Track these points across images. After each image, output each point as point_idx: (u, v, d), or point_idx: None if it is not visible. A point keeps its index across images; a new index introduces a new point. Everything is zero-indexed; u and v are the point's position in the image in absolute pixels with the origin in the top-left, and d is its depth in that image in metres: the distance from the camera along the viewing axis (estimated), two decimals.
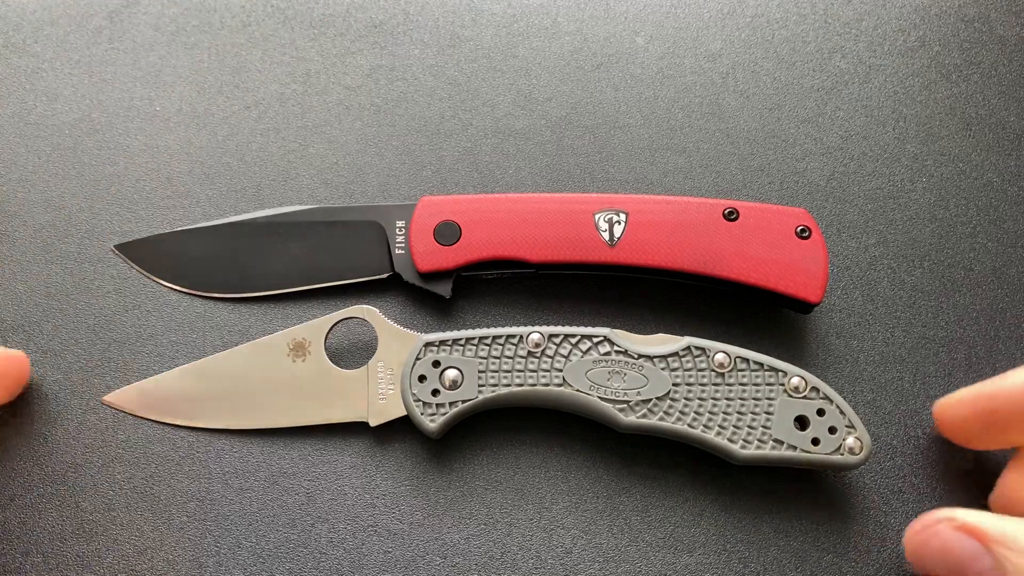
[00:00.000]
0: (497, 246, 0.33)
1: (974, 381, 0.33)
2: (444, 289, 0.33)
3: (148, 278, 0.34)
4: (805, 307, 0.32)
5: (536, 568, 0.30)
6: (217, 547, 0.30)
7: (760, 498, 0.31)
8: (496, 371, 0.30)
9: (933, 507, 0.31)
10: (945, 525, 0.27)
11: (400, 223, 0.34)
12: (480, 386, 0.30)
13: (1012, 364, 0.33)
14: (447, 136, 0.38)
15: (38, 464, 0.31)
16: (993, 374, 0.33)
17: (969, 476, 0.32)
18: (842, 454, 0.29)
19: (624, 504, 0.31)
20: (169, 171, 0.37)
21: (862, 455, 0.29)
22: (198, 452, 0.32)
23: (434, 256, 0.33)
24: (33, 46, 0.39)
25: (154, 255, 0.34)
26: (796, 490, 0.31)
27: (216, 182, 0.36)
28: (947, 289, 0.35)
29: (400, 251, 0.33)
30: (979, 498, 0.31)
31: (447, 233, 0.33)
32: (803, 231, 0.32)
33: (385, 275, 0.34)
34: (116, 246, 0.35)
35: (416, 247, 0.33)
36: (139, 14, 0.40)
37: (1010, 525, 0.26)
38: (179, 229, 0.35)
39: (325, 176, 0.37)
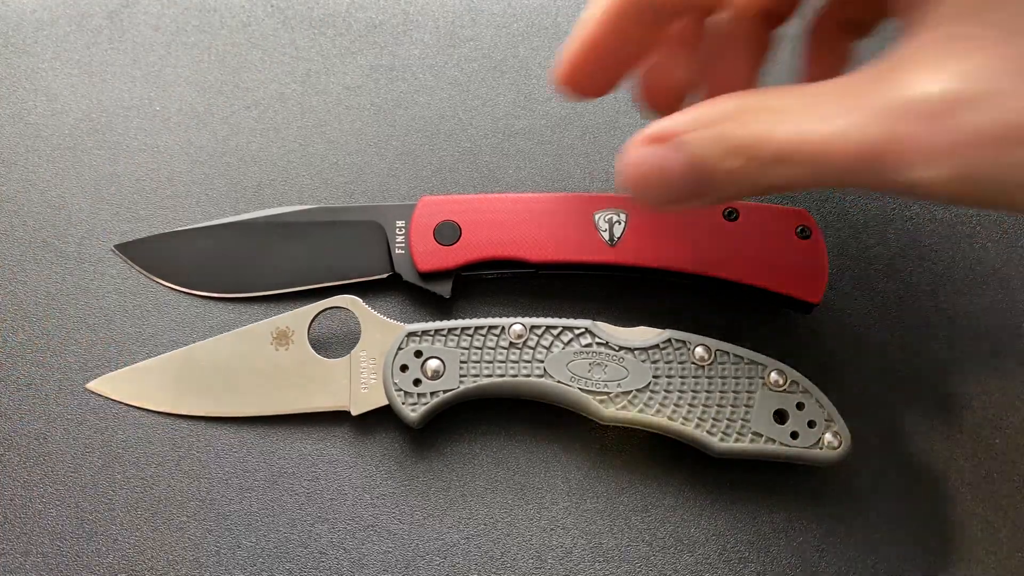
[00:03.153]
0: (497, 246, 0.33)
1: (975, 381, 0.33)
2: (444, 289, 0.33)
3: (148, 278, 0.34)
4: (805, 307, 0.32)
5: (536, 568, 0.30)
6: (217, 547, 0.30)
7: (760, 497, 0.31)
8: (478, 362, 0.31)
9: (933, 506, 0.31)
10: (636, 146, 0.26)
11: (400, 223, 0.34)
12: (462, 376, 0.30)
13: (1013, 364, 0.33)
14: (447, 136, 0.38)
15: (38, 464, 0.31)
16: (994, 375, 0.33)
17: (970, 471, 0.32)
18: (821, 448, 0.29)
19: (624, 504, 0.31)
20: (169, 171, 0.37)
21: (841, 450, 0.29)
22: (198, 452, 0.32)
23: (434, 256, 0.33)
24: (33, 46, 0.39)
25: (154, 255, 0.34)
26: (796, 489, 0.31)
27: (216, 182, 0.36)
28: (947, 289, 0.35)
29: (400, 251, 0.33)
30: (985, 495, 0.31)
31: (447, 233, 0.33)
32: (803, 231, 0.32)
33: (385, 275, 0.33)
34: (116, 246, 0.35)
35: (416, 247, 0.33)
36: (139, 14, 0.40)
37: (691, 110, 0.25)
38: (179, 229, 0.35)
39: (325, 176, 0.37)
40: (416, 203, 0.34)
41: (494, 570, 0.30)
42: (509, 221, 0.33)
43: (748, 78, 0.29)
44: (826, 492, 0.31)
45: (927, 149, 0.21)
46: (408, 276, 0.33)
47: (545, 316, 0.31)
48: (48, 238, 0.35)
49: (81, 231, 0.35)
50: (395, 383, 0.31)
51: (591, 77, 0.29)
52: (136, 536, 0.30)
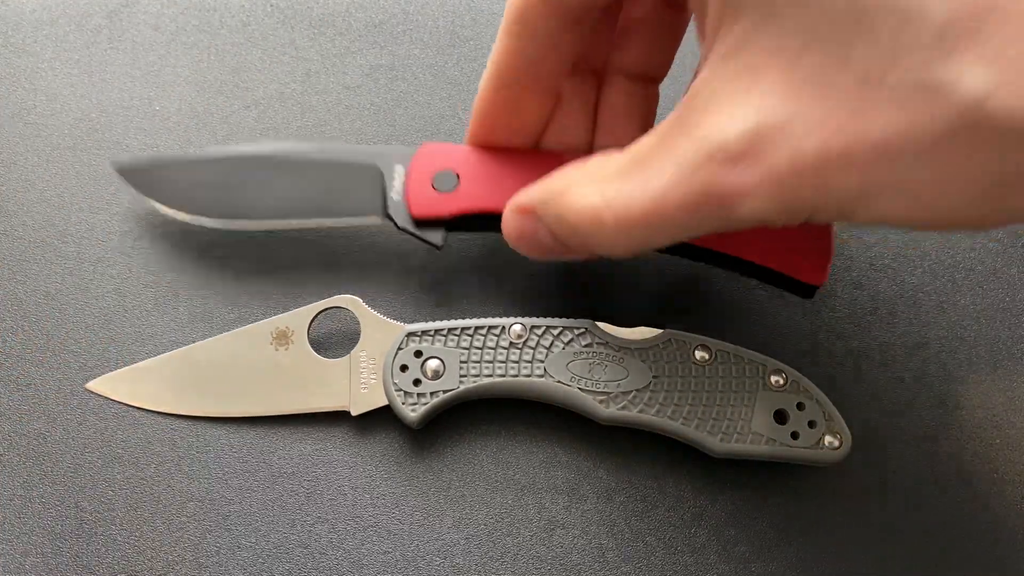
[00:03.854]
0: (494, 199, 0.31)
1: (975, 381, 0.33)
2: (436, 237, 0.32)
3: (143, 199, 0.34)
4: (807, 290, 0.31)
5: (536, 568, 0.30)
6: (217, 547, 0.30)
7: (761, 498, 0.31)
8: (478, 361, 0.31)
9: (935, 506, 0.31)
10: (509, 215, 0.28)
11: (399, 167, 0.33)
12: (462, 376, 0.30)
13: (1013, 364, 0.33)
14: (447, 136, 0.38)
15: (37, 464, 0.31)
16: (994, 375, 0.33)
17: (972, 471, 0.32)
18: (821, 448, 0.29)
19: (624, 504, 0.31)
20: None
21: (842, 450, 0.29)
22: (198, 452, 0.32)
23: (429, 202, 0.32)
24: (32, 45, 0.39)
25: (151, 178, 0.34)
26: (797, 490, 0.31)
27: None
28: (947, 289, 0.35)
29: (396, 196, 0.32)
30: (987, 495, 0.31)
31: (445, 181, 0.32)
32: None
33: (379, 218, 0.33)
34: (114, 163, 0.34)
35: (412, 193, 0.32)
36: (138, 13, 0.40)
37: (540, 183, 0.27)
38: (180, 156, 0.34)
39: None
40: (416, 149, 0.33)
41: (494, 570, 0.30)
42: (508, 174, 0.32)
43: (635, 136, 0.30)
44: (827, 492, 0.31)
45: (745, 189, 0.21)
46: (401, 221, 0.32)
47: (545, 316, 0.31)
48: (47, 238, 0.35)
49: (80, 231, 0.35)
50: (395, 383, 0.31)
51: (501, 139, 0.31)
52: (136, 536, 0.30)
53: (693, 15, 0.25)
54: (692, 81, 0.24)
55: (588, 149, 0.32)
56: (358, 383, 0.31)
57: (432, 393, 0.30)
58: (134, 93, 0.38)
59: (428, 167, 0.32)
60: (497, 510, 0.31)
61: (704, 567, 0.30)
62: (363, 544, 0.30)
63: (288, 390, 0.32)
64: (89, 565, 0.30)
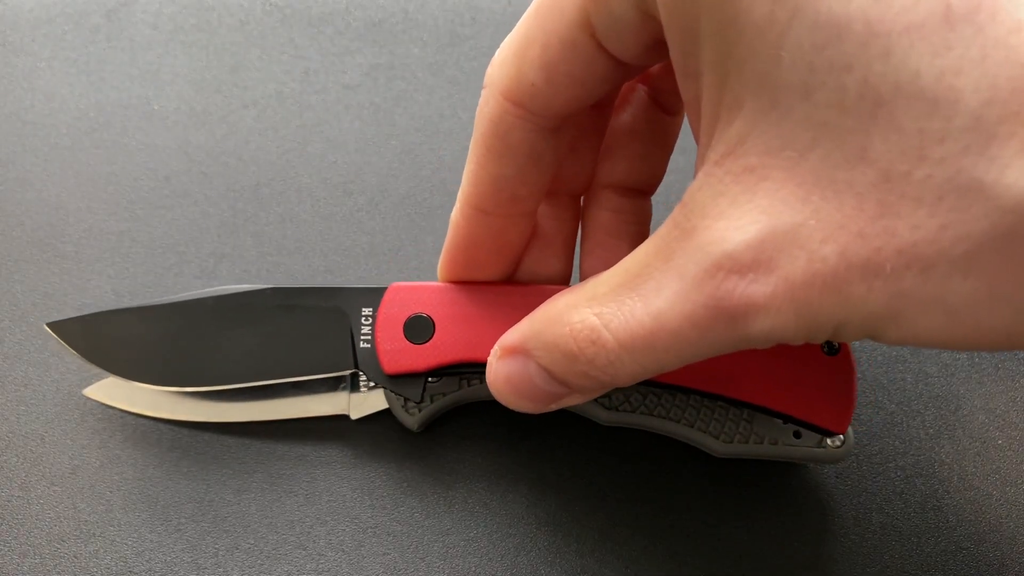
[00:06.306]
0: (474, 346, 0.29)
1: (977, 381, 0.33)
2: (414, 392, 0.30)
3: (83, 361, 0.31)
4: (827, 433, 0.29)
5: (536, 570, 0.30)
6: (215, 548, 0.30)
7: (763, 498, 0.31)
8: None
9: (937, 506, 0.31)
10: (496, 362, 0.25)
11: (366, 311, 0.30)
12: (462, 379, 0.30)
13: (1016, 364, 0.33)
14: (447, 135, 0.38)
15: (35, 465, 0.31)
16: (996, 375, 0.33)
17: (974, 471, 0.32)
18: (824, 447, 0.29)
19: (625, 506, 0.31)
20: (167, 170, 0.37)
21: (843, 449, 0.29)
22: (196, 453, 0.31)
23: (403, 356, 0.29)
24: (30, 45, 0.39)
25: (89, 336, 0.31)
26: (799, 490, 0.31)
27: (214, 181, 0.36)
28: None
29: (365, 344, 0.30)
30: (989, 495, 0.31)
31: (419, 328, 0.29)
32: (829, 345, 0.28)
33: (347, 372, 0.30)
34: (48, 324, 0.31)
35: (383, 345, 0.29)
36: (137, 12, 0.40)
37: (527, 318, 0.24)
38: (118, 308, 0.31)
39: (323, 175, 0.37)
40: (385, 288, 0.30)
41: (494, 572, 0.30)
42: (488, 316, 0.29)
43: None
44: (829, 492, 0.31)
45: (758, 303, 0.19)
46: (372, 375, 0.30)
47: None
48: (45, 238, 0.35)
49: (79, 231, 0.35)
50: None
51: (475, 274, 0.29)
52: (134, 538, 0.30)
53: (686, 113, 0.23)
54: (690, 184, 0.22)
55: (567, 280, 0.30)
56: (357, 387, 0.31)
57: (432, 397, 0.30)
58: (132, 92, 0.38)
59: (398, 312, 0.29)
60: (497, 512, 0.31)
61: (705, 567, 0.30)
62: (362, 545, 0.30)
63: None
64: (87, 566, 0.30)
